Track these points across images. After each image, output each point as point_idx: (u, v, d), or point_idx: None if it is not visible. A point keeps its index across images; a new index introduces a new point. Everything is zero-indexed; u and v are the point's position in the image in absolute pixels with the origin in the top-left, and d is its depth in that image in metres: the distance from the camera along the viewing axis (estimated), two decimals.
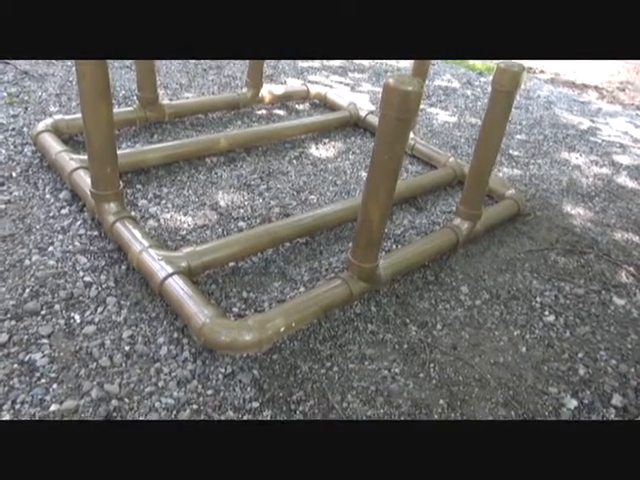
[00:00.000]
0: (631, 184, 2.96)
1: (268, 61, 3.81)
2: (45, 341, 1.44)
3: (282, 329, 1.47)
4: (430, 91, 3.87)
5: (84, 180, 1.87)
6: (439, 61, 4.72)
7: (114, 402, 1.31)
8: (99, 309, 1.55)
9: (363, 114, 2.99)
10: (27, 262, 1.66)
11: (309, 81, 3.62)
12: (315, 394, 1.41)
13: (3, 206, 1.87)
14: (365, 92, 3.64)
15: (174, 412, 1.31)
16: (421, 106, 3.56)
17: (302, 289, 1.76)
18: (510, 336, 1.72)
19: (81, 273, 1.66)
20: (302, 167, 2.50)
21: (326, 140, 2.80)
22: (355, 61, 4.26)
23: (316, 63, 4.02)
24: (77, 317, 1.51)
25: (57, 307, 1.53)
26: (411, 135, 2.80)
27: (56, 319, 1.50)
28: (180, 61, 3.49)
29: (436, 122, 3.35)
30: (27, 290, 1.56)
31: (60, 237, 1.78)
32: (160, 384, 1.37)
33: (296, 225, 1.93)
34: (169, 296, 1.52)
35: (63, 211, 1.89)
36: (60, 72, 2.93)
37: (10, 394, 1.29)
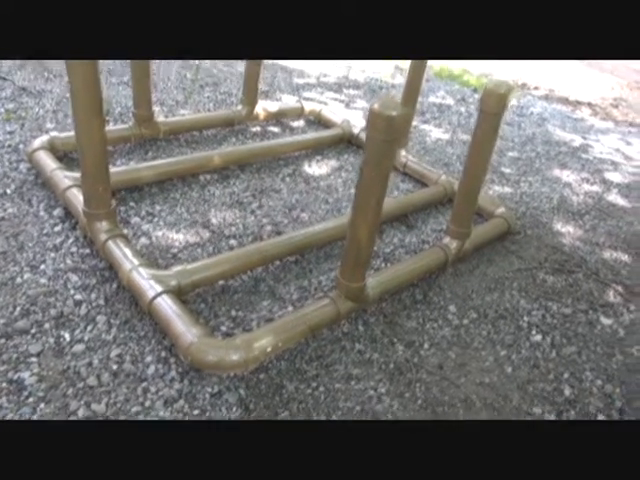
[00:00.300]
0: (621, 202, 2.99)
1: (264, 78, 3.86)
2: (34, 360, 1.45)
3: (269, 349, 1.49)
4: (424, 108, 3.91)
5: (77, 198, 1.89)
6: (434, 77, 4.78)
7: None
8: (89, 327, 1.57)
9: (356, 131, 3.02)
10: (19, 280, 1.68)
11: (304, 98, 3.66)
12: (300, 414, 1.43)
13: None
14: (360, 109, 3.68)
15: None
16: (415, 123, 3.60)
17: (291, 308, 1.78)
18: (496, 356, 1.73)
19: (72, 291, 1.67)
20: (295, 185, 2.53)
21: (319, 157, 2.84)
22: (350, 77, 4.31)
23: (312, 79, 4.07)
24: (67, 335, 1.53)
25: (47, 325, 1.55)
26: (403, 153, 2.84)
27: (46, 337, 1.51)
28: (177, 77, 3.53)
29: (429, 139, 3.39)
30: (18, 308, 1.58)
31: (52, 255, 1.80)
32: (147, 404, 1.39)
33: (286, 243, 1.95)
34: (158, 315, 1.54)
35: (56, 228, 1.91)
36: (57, 88, 2.97)
37: None
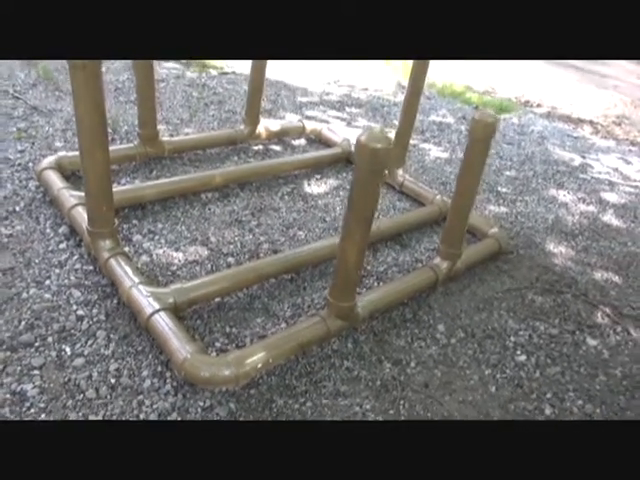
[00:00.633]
0: (616, 222, 3.04)
1: (267, 95, 3.96)
2: (37, 372, 1.53)
3: (259, 365, 1.56)
4: (424, 126, 3.99)
5: (82, 216, 1.98)
6: (436, 96, 4.86)
7: None
8: (89, 342, 1.65)
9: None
10: (25, 295, 1.77)
11: (307, 116, 3.75)
12: None
13: (5, 240, 1.98)
14: (361, 127, 3.77)
15: None
16: (414, 142, 3.68)
17: (284, 325, 1.85)
18: (481, 375, 1.79)
19: (74, 307, 1.76)
20: (293, 203, 2.61)
21: (318, 176, 2.92)
22: (353, 95, 4.41)
23: (315, 98, 4.16)
24: (68, 349, 1.61)
25: (50, 339, 1.63)
26: (400, 172, 2.91)
27: (48, 351, 1.60)
28: (183, 95, 3.64)
29: (428, 158, 3.46)
30: (23, 322, 1.66)
31: (57, 271, 1.88)
32: (141, 416, 1.46)
33: (282, 262, 2.02)
34: (155, 331, 1.61)
35: (61, 245, 2.00)
36: (68, 107, 3.08)
37: None
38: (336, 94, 4.35)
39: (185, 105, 3.51)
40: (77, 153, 2.42)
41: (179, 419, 1.47)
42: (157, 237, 2.15)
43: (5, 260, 1.89)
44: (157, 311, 1.63)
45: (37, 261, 1.91)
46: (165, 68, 4.12)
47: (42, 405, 1.44)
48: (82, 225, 1.95)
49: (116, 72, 3.79)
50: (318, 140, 3.36)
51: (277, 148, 3.18)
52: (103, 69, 3.88)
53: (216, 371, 1.50)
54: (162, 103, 3.49)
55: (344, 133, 3.57)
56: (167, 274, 1.97)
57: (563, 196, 3.26)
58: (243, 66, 4.32)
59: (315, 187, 2.80)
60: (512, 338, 1.97)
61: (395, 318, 1.97)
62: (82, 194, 2.04)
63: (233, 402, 1.54)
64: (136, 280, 1.74)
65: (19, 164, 2.46)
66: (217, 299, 1.88)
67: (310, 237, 2.36)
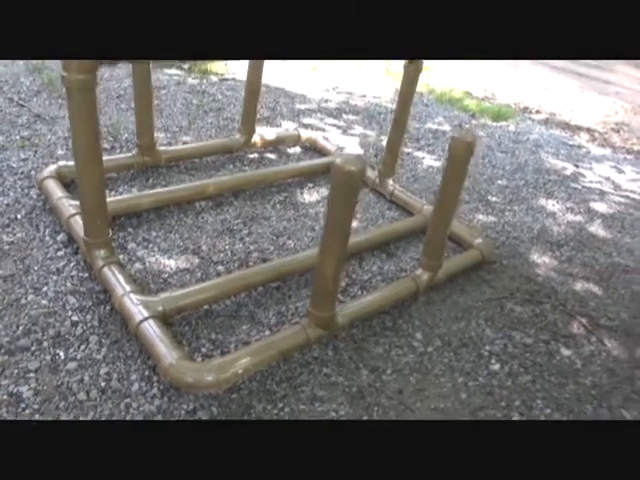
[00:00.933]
0: (602, 233, 3.10)
1: (266, 103, 4.06)
2: (32, 375, 1.64)
3: (240, 371, 1.66)
4: (420, 134, 4.06)
5: (79, 225, 2.08)
6: (434, 102, 4.93)
7: None
8: (82, 347, 1.75)
9: None
10: (23, 301, 1.87)
11: (304, 124, 3.84)
12: None
13: (7, 247, 2.09)
14: (356, 135, 3.85)
15: None
16: (408, 150, 3.76)
17: (268, 332, 1.94)
18: (454, 382, 1.87)
19: (70, 312, 1.86)
20: (284, 212, 2.70)
21: (311, 185, 3.01)
22: (351, 102, 4.49)
23: (313, 105, 4.25)
24: (62, 354, 1.71)
25: (45, 344, 1.73)
26: (390, 181, 3.00)
27: (43, 355, 1.70)
28: (183, 102, 3.75)
29: (420, 166, 3.54)
30: (20, 327, 1.77)
31: (54, 278, 1.99)
32: (128, 418, 1.56)
33: (269, 270, 2.12)
34: (143, 338, 1.71)
35: (59, 253, 2.11)
36: None
37: None
38: (334, 101, 4.43)
39: (185, 112, 3.61)
40: None
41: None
42: (151, 245, 2.25)
43: (6, 267, 2.00)
44: (146, 319, 1.73)
45: (36, 268, 2.02)
46: (167, 74, 4.22)
47: (36, 406, 1.55)
48: (79, 234, 2.05)
49: (118, 79, 3.89)
50: (313, 148, 3.45)
51: (272, 156, 3.27)
52: (106, 75, 3.99)
53: (199, 376, 1.60)
54: (162, 110, 3.59)
55: (340, 141, 3.66)
56: (159, 281, 2.07)
57: (552, 205, 3.33)
58: (243, 72, 4.41)
59: (307, 196, 2.89)
60: (487, 347, 2.05)
61: (375, 326, 2.06)
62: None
63: (215, 406, 1.64)
64: (128, 288, 1.84)
65: (21, 172, 2.57)
66: (205, 306, 1.98)
67: (299, 246, 2.46)
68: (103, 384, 1.65)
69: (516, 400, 1.84)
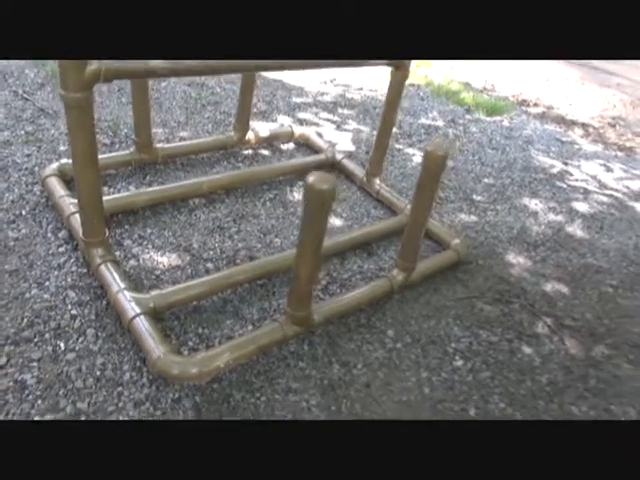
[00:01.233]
0: (580, 233, 3.23)
1: (263, 96, 4.17)
2: (35, 364, 1.82)
3: (222, 365, 1.83)
4: (412, 130, 4.17)
5: (79, 223, 2.25)
6: (430, 96, 5.01)
7: (83, 418, 1.69)
8: (80, 339, 1.93)
9: (339, 157, 3.33)
10: (27, 295, 2.05)
11: (299, 118, 3.96)
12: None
13: (12, 243, 2.27)
14: (350, 130, 3.97)
15: None
16: (399, 146, 3.88)
17: (250, 327, 2.12)
18: (419, 377, 2.05)
19: (69, 306, 2.04)
20: (273, 210, 2.85)
21: (301, 183, 3.15)
22: (347, 95, 4.59)
23: (309, 98, 4.36)
24: (62, 345, 1.90)
25: (47, 336, 1.92)
26: (377, 180, 3.14)
27: (45, 346, 1.88)
28: (182, 96, 3.87)
29: (410, 164, 3.66)
30: (25, 320, 1.95)
31: (56, 273, 2.16)
32: (120, 405, 1.75)
33: (255, 268, 2.28)
34: (135, 332, 1.89)
35: (60, 249, 2.28)
36: None
37: (5, 407, 1.68)
38: (330, 94, 4.54)
39: (183, 107, 3.73)
40: None
41: (151, 408, 1.75)
42: (145, 242, 2.42)
43: (12, 262, 2.17)
44: (138, 315, 1.91)
45: (39, 263, 2.20)
46: None
47: (38, 393, 1.74)
48: (79, 231, 2.21)
49: None
50: (306, 145, 3.58)
51: (266, 152, 3.41)
52: None
53: (184, 369, 1.77)
54: (162, 104, 3.72)
55: (333, 137, 3.78)
56: (151, 278, 2.25)
57: (534, 205, 3.45)
58: None
59: (296, 194, 3.04)
60: (454, 344, 2.22)
61: (350, 323, 2.23)
62: None
63: (198, 395, 1.82)
64: (122, 285, 2.01)
65: (26, 168, 2.73)
66: (194, 302, 2.15)
67: (285, 244, 2.62)
68: (98, 373, 1.83)
69: (474, 395, 2.01)
